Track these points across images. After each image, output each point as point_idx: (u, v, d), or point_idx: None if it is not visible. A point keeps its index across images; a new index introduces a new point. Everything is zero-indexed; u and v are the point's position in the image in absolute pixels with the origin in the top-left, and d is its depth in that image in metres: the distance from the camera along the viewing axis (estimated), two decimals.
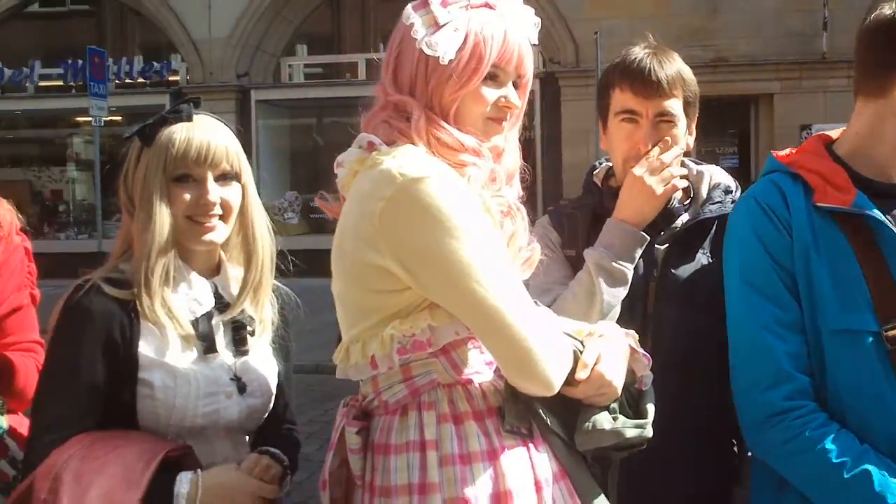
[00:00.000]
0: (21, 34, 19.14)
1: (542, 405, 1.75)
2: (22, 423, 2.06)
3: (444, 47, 1.73)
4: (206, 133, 2.00)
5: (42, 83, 18.50)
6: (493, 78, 1.78)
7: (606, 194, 2.44)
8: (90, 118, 14.86)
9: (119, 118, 17.41)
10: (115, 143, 17.75)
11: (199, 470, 1.87)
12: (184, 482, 1.83)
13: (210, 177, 2.00)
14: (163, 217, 1.96)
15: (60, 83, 18.18)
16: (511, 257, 1.79)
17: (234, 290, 2.08)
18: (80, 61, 16.89)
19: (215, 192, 2.00)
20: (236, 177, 2.04)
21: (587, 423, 1.76)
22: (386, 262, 1.66)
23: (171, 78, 17.96)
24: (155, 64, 17.87)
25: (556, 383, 1.69)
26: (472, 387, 1.75)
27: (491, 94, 1.78)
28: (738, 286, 1.99)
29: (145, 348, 1.93)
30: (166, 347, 1.94)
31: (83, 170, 18.78)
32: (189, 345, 1.97)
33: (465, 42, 1.74)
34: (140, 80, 17.97)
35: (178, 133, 1.99)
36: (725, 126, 16.09)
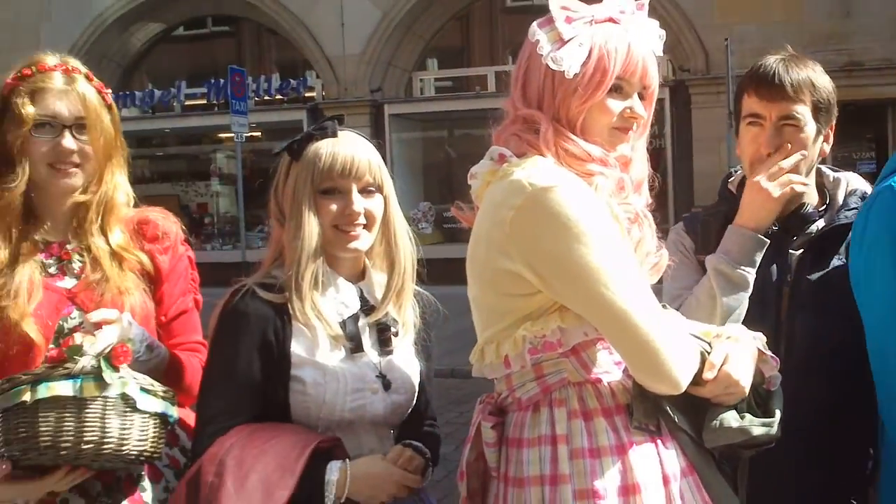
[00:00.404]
0: (168, 57, 19.97)
1: (669, 403, 1.81)
2: (189, 416, 2.23)
3: (568, 62, 1.81)
4: (349, 148, 2.14)
5: (188, 102, 19.25)
6: (618, 90, 1.85)
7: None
8: (232, 134, 15.36)
9: (258, 133, 18.00)
10: (256, 158, 18.39)
11: (347, 459, 2.01)
12: (334, 470, 1.98)
13: (354, 189, 2.13)
14: (311, 227, 2.10)
15: (204, 102, 18.89)
16: (638, 262, 1.85)
17: (379, 294, 2.21)
18: (222, 80, 17.53)
19: (359, 203, 2.13)
20: (378, 188, 2.17)
21: (714, 421, 1.82)
22: (517, 268, 1.76)
23: (307, 94, 18.45)
24: (292, 81, 18.32)
25: (683, 382, 1.76)
26: (601, 385, 1.83)
27: (616, 105, 1.85)
28: None
29: (297, 348, 2.07)
30: (316, 347, 2.08)
31: (226, 183, 19.41)
32: (337, 344, 2.10)
33: (589, 56, 1.82)
34: (278, 96, 18.47)
35: (325, 148, 2.13)
36: (862, 131, 15.49)
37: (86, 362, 1.96)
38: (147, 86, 19.26)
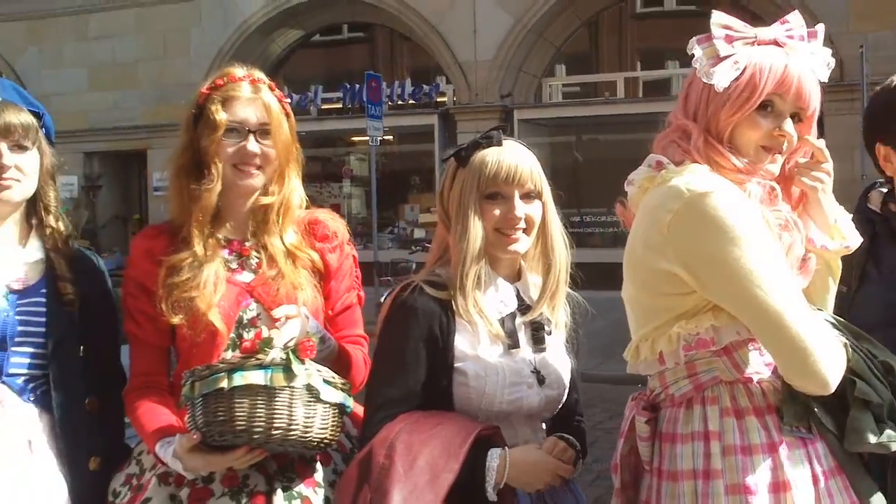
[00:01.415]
0: (305, 62, 20.48)
1: (818, 404, 1.87)
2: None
3: (718, 77, 1.90)
4: (513, 156, 2.26)
5: (323, 106, 19.65)
6: (769, 108, 1.93)
7: (894, 219, 2.51)
8: (366, 138, 15.55)
9: (390, 137, 18.31)
10: (387, 161, 18.76)
11: (506, 447, 2.13)
12: (494, 457, 2.09)
13: (517, 195, 2.25)
14: (476, 230, 2.23)
15: (339, 106, 19.27)
16: (790, 266, 1.92)
17: (534, 294, 2.33)
18: (357, 85, 17.95)
19: (521, 208, 2.25)
20: (538, 195, 2.30)
21: (854, 433, 1.86)
22: (673, 268, 1.85)
23: (438, 99, 18.64)
24: (424, 86, 18.55)
25: (833, 383, 1.82)
26: (752, 385, 1.90)
27: (765, 122, 1.93)
28: None
29: (460, 342, 2.20)
30: (478, 342, 2.20)
31: (357, 185, 19.87)
32: (496, 340, 2.22)
33: (742, 72, 1.90)
34: (411, 101, 18.73)
35: (490, 156, 2.25)
36: None
37: (275, 354, 2.12)
38: (285, 90, 19.86)
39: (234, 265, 2.45)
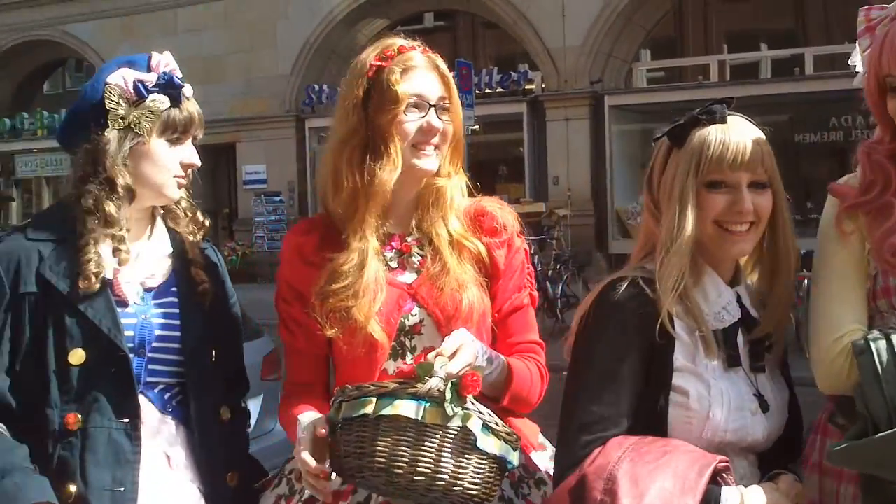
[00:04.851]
0: None
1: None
2: (525, 424, 2.15)
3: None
4: (741, 135, 1.90)
5: None
6: None
7: None
8: None
9: (476, 127, 18.22)
10: (475, 150, 18.54)
11: (740, 486, 1.80)
12: (731, 497, 1.77)
13: (745, 182, 1.90)
14: (689, 224, 1.88)
15: None
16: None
17: (754, 301, 2.00)
18: None
19: (749, 199, 1.89)
20: (770, 183, 1.93)
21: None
22: None
23: (526, 87, 18.46)
24: (513, 74, 18.42)
25: (820, 382, 1.93)
26: None
27: None
28: None
29: (678, 354, 1.88)
30: (696, 355, 1.89)
31: None
32: (713, 355, 1.90)
33: None
34: (499, 89, 18.54)
35: (713, 135, 1.89)
36: None
37: (434, 384, 1.81)
38: None
39: (394, 264, 2.18)
